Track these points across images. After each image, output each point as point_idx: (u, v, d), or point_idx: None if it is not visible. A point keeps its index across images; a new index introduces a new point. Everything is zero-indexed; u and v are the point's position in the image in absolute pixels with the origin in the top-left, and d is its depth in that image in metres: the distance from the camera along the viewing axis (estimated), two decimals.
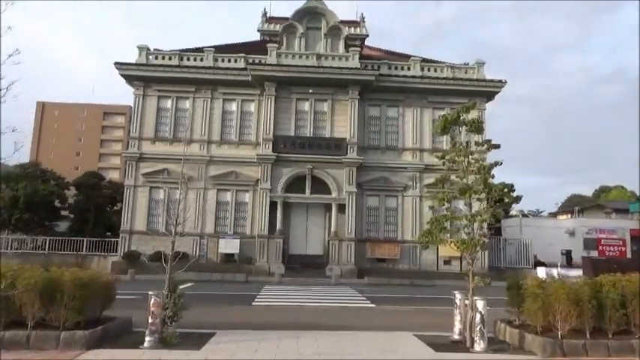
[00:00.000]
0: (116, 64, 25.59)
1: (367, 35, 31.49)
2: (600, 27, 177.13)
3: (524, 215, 68.67)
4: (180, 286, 17.81)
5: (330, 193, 25.02)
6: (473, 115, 10.27)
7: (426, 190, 26.15)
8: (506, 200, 8.83)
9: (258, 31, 32.24)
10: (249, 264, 24.19)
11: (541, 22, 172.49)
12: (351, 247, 24.48)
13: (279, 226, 24.47)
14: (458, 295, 8.83)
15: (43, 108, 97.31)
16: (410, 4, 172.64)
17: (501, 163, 8.57)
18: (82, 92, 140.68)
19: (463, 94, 26.75)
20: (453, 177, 9.63)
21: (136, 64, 25.90)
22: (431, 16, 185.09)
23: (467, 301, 8.40)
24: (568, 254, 46.05)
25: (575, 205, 77.32)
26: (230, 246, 24.46)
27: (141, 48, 26.39)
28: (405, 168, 26.22)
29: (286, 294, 16.51)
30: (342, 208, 24.89)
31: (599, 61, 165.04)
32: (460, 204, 9.40)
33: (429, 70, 27.16)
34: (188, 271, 21.66)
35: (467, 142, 8.86)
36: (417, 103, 26.93)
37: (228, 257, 24.67)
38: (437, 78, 26.73)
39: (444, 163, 9.11)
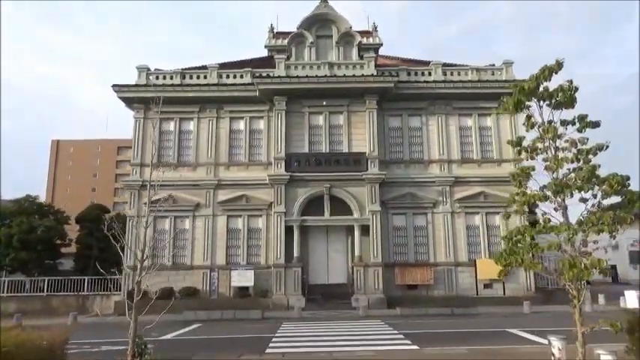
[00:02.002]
0: (114, 86, 23.84)
1: (381, 44, 29.28)
2: (610, 37, 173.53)
3: None
4: (186, 328, 15.31)
5: (351, 214, 22.50)
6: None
7: (458, 206, 23.50)
8: (626, 198, 6.33)
9: (265, 47, 30.31)
10: (265, 297, 21.64)
11: (551, 35, 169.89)
12: (378, 274, 21.78)
13: (296, 253, 21.97)
14: (555, 342, 6.16)
15: (57, 145, 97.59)
16: (413, 22, 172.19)
17: (607, 147, 6.00)
18: (97, 128, 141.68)
19: (492, 98, 24.17)
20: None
21: (134, 86, 24.12)
22: (437, 34, 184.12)
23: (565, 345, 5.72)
24: (613, 270, 42.43)
25: None
26: (243, 278, 21.98)
27: (140, 69, 24.66)
28: (433, 182, 23.62)
29: (308, 333, 13.91)
30: (365, 229, 22.31)
31: (611, 71, 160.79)
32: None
33: (452, 74, 24.80)
34: (197, 310, 19.31)
35: (549, 122, 6.32)
36: (442, 111, 24.50)
37: (242, 291, 22.17)
38: (461, 81, 24.34)
39: (519, 152, 6.58)
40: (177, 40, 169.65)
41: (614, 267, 42.26)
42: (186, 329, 15.44)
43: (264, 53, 29.82)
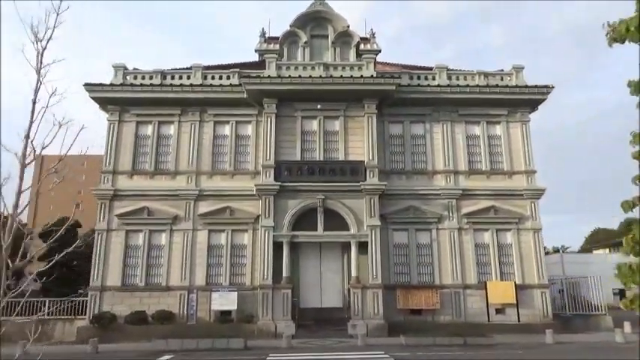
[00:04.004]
0: (86, 85, 21.51)
1: (379, 50, 27.36)
2: (601, 62, 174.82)
3: (557, 251, 62.77)
4: None
5: (347, 229, 20.12)
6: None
7: (465, 221, 21.25)
8: None
9: (256, 51, 28.36)
10: (249, 323, 19.04)
11: (541, 59, 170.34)
12: (378, 296, 19.32)
13: (285, 273, 19.47)
14: None
15: (42, 161, 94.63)
16: (408, 46, 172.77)
17: None
18: (85, 143, 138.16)
19: (501, 104, 22.41)
20: None
21: (109, 85, 21.80)
22: (431, 57, 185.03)
23: None
24: (622, 293, 40.20)
25: (601, 240, 71.21)
26: (225, 301, 19.40)
27: (117, 67, 22.39)
28: (438, 194, 21.39)
29: None
30: (363, 247, 19.93)
31: (600, 96, 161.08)
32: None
33: (457, 78, 22.84)
34: (170, 338, 16.64)
35: None
36: (447, 117, 22.44)
37: (224, 315, 19.57)
38: (468, 86, 22.35)
39: None
40: (164, 49, 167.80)
41: (622, 291, 40.08)
42: None
43: (255, 59, 27.89)
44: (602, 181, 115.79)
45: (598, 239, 74.05)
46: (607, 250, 58.14)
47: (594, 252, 60.50)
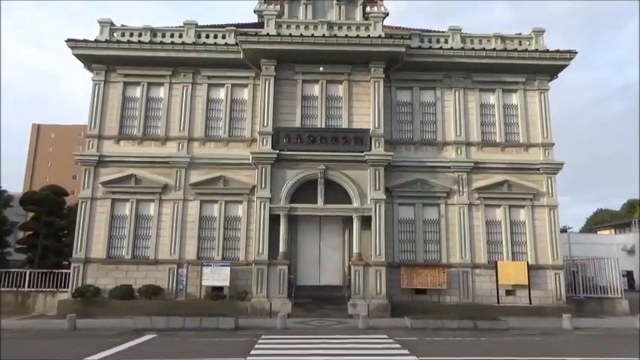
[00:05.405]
0: (69, 41, 19.75)
1: (387, 14, 25.51)
2: (604, 43, 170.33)
3: (563, 231, 61.60)
4: (129, 344, 11.33)
5: (350, 203, 18.69)
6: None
7: (476, 196, 19.81)
8: None
9: (255, 12, 26.65)
10: (242, 300, 17.82)
11: (544, 38, 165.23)
12: (381, 275, 18.01)
13: (282, 248, 18.14)
14: None
15: (38, 130, 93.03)
16: (411, 22, 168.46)
17: None
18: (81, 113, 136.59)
19: (518, 70, 20.72)
20: None
21: (94, 42, 20.03)
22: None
23: None
24: (629, 276, 39.11)
25: (603, 222, 69.93)
26: (217, 276, 18.12)
27: (103, 23, 20.61)
28: (448, 167, 19.88)
29: (294, 357, 10.10)
30: (366, 221, 18.54)
31: (602, 77, 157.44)
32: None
33: (472, 41, 21.04)
34: (156, 315, 15.30)
35: None
36: (459, 84, 20.75)
37: (216, 291, 18.33)
38: (483, 50, 20.55)
39: None
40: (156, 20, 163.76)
41: (630, 273, 38.96)
42: (128, 345, 11.51)
43: (254, 21, 26.06)
44: (598, 164, 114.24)
45: (600, 220, 72.82)
46: (612, 232, 56.94)
47: (599, 233, 59.26)
